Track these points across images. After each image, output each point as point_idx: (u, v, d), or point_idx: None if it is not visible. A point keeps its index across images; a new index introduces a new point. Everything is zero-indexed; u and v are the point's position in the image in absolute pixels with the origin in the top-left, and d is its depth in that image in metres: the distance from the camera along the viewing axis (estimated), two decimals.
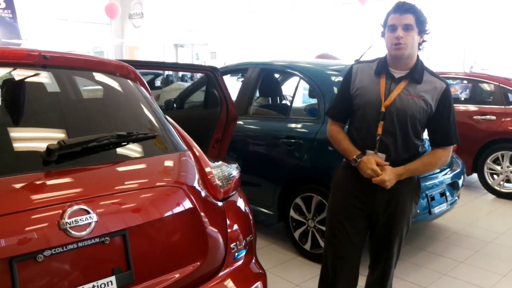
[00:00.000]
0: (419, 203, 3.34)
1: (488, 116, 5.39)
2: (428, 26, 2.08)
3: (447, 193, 3.68)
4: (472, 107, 5.57)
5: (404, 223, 2.21)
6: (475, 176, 5.68)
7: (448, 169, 3.88)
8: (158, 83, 9.96)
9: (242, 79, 4.55)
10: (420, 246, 3.86)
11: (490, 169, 5.44)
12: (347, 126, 2.31)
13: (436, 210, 3.50)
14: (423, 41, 2.10)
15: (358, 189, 2.19)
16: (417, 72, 2.08)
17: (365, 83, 2.14)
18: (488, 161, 5.42)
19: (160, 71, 9.77)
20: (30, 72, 1.69)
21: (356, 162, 2.11)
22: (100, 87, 1.97)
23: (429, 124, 2.12)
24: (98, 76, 1.94)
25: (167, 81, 9.70)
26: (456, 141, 2.15)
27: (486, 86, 5.75)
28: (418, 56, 2.12)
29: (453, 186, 3.84)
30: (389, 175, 2.05)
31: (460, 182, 3.94)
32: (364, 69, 2.19)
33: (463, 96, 5.80)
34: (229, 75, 5.24)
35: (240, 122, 3.75)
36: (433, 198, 3.49)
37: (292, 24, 12.81)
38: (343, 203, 2.23)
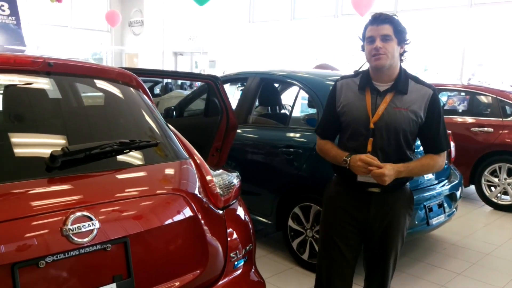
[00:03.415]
0: (417, 214, 3.38)
1: (485, 128, 5.41)
2: (408, 36, 2.05)
3: (445, 205, 3.69)
4: (469, 119, 5.61)
5: (398, 236, 2.17)
6: (472, 188, 5.69)
7: (446, 181, 3.90)
8: (157, 90, 9.99)
9: (242, 88, 4.58)
10: (418, 257, 3.86)
11: (488, 181, 5.45)
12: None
13: (434, 221, 3.51)
14: (404, 51, 2.06)
15: (350, 204, 2.14)
16: (401, 83, 2.04)
17: (351, 100, 2.10)
18: (485, 173, 5.44)
19: (159, 79, 9.80)
20: (35, 79, 1.70)
21: (347, 163, 2.03)
22: (102, 94, 1.98)
23: (420, 133, 2.08)
24: (101, 84, 1.95)
25: (166, 89, 9.73)
26: (447, 147, 2.13)
27: (483, 98, 5.79)
28: (401, 66, 2.08)
29: (451, 197, 3.85)
30: (389, 170, 1.96)
31: (458, 193, 3.95)
32: (348, 84, 2.15)
33: (461, 108, 5.83)
34: (228, 84, 5.26)
35: (240, 131, 3.76)
36: (431, 209, 3.50)
37: (291, 34, 12.90)
38: (335, 220, 2.18)
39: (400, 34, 2.00)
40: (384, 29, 1.97)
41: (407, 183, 2.20)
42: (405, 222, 2.19)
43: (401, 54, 2.06)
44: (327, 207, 2.26)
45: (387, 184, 1.98)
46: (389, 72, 2.03)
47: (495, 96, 5.53)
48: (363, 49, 2.09)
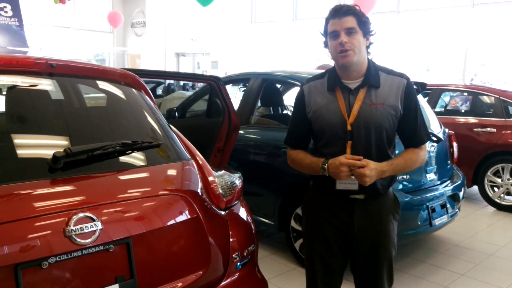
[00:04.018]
0: (420, 214, 3.38)
1: (488, 129, 5.40)
2: (372, 26, 1.90)
3: (448, 205, 3.68)
4: (472, 120, 5.59)
5: (390, 245, 2.01)
6: (475, 188, 5.68)
7: (449, 181, 3.89)
8: (159, 91, 10.00)
9: (244, 89, 4.58)
10: (421, 258, 3.85)
11: (491, 181, 5.44)
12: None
13: (437, 222, 3.50)
14: (370, 43, 1.92)
15: (332, 214, 1.97)
16: (372, 77, 1.88)
17: (321, 103, 1.93)
18: (488, 173, 5.43)
19: (162, 80, 9.81)
20: (37, 80, 1.70)
21: (325, 170, 1.85)
22: (105, 95, 1.99)
23: (399, 126, 1.93)
24: (104, 85, 1.95)
25: (168, 90, 9.74)
26: (428, 138, 1.98)
27: (486, 99, 5.78)
28: (368, 59, 1.93)
29: (454, 198, 3.84)
30: (370, 170, 1.78)
31: (461, 194, 3.95)
32: (316, 87, 1.97)
33: (463, 108, 5.82)
34: (231, 84, 5.27)
35: (242, 132, 3.76)
36: (433, 210, 3.49)
37: (293, 34, 12.90)
38: (317, 232, 2.02)
39: (364, 26, 1.85)
40: (348, 22, 1.82)
41: (391, 188, 2.06)
42: (394, 228, 2.03)
43: (368, 47, 1.91)
44: (308, 219, 2.09)
45: (368, 185, 1.82)
46: (357, 68, 1.88)
47: (497, 96, 5.51)
48: (326, 46, 1.94)
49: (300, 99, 2.01)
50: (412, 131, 1.94)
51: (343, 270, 2.08)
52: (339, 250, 2.00)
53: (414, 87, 1.98)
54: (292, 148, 2.08)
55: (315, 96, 1.96)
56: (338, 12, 1.84)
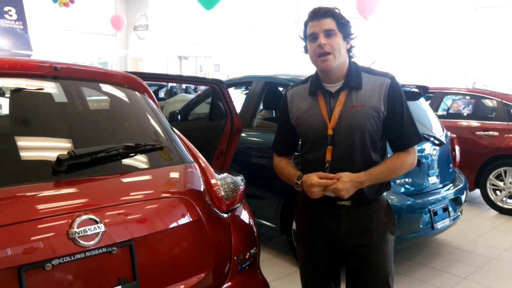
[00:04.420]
0: (422, 218, 3.37)
1: (490, 132, 5.40)
2: (353, 30, 1.83)
3: (450, 209, 3.68)
4: (474, 123, 5.59)
5: (382, 260, 1.86)
6: (477, 192, 5.67)
7: (451, 185, 3.89)
8: (162, 94, 10.03)
9: (246, 92, 4.59)
10: (422, 261, 3.85)
11: (493, 185, 5.43)
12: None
13: (439, 225, 3.50)
14: (351, 46, 1.85)
15: (320, 220, 1.90)
16: (353, 78, 1.81)
17: (303, 109, 1.88)
18: (490, 177, 5.42)
19: (164, 83, 9.84)
20: (41, 83, 1.72)
21: (299, 186, 1.81)
22: (108, 98, 2.00)
23: (384, 130, 1.83)
24: (107, 88, 1.97)
25: (171, 93, 9.77)
26: (418, 139, 1.85)
27: (488, 102, 5.78)
28: (350, 61, 1.86)
29: (456, 201, 3.84)
30: (344, 183, 1.69)
31: (463, 197, 3.94)
32: (299, 92, 1.93)
33: (465, 112, 5.82)
34: (233, 87, 5.28)
35: (244, 135, 3.77)
36: (435, 213, 3.49)
37: (295, 38, 12.90)
38: (306, 239, 1.96)
39: (344, 28, 1.78)
40: (326, 24, 1.75)
41: (384, 193, 1.92)
42: (388, 242, 1.88)
43: (349, 50, 1.85)
44: (297, 224, 2.04)
45: (347, 197, 1.73)
46: (338, 72, 1.81)
47: (500, 99, 5.52)
48: (306, 51, 1.88)
49: (283, 105, 1.98)
50: (398, 133, 1.82)
51: (337, 279, 1.99)
52: (329, 258, 1.92)
53: (418, 89, 1.90)
54: (277, 155, 2.05)
55: (297, 101, 1.92)
56: (316, 14, 1.78)
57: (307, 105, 1.88)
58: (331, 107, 1.82)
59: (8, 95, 1.68)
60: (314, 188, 1.73)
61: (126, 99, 2.00)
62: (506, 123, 5.36)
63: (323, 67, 1.79)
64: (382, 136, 1.86)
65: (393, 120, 1.81)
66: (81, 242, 1.37)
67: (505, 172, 5.33)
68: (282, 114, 2.00)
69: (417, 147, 1.89)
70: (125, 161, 1.70)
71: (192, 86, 10.51)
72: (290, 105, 1.95)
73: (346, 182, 1.71)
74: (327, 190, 1.73)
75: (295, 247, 2.13)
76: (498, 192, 5.43)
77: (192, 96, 7.12)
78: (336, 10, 1.80)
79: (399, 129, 1.82)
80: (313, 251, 1.94)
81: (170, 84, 10.24)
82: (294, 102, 1.93)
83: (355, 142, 1.80)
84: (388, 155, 1.91)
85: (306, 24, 1.84)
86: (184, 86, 10.77)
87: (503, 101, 5.47)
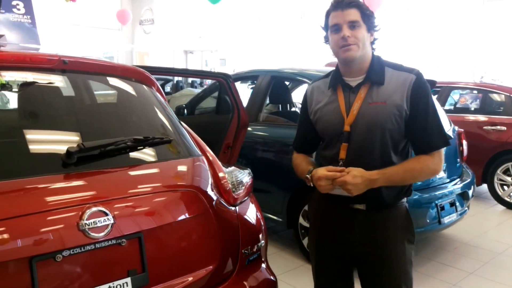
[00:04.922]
0: (428, 212, 3.37)
1: (498, 127, 5.36)
2: (377, 22, 1.74)
3: (457, 203, 3.67)
4: (482, 117, 5.55)
5: (398, 271, 1.74)
6: (485, 186, 5.65)
7: (458, 179, 3.88)
8: (168, 88, 10.05)
9: (253, 86, 4.59)
10: (429, 256, 3.85)
11: (500, 179, 5.40)
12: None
13: (446, 220, 3.49)
14: (375, 39, 1.76)
15: (332, 223, 1.80)
16: (375, 73, 1.71)
17: (322, 103, 1.80)
18: (498, 171, 5.39)
19: (170, 77, 9.86)
20: (50, 77, 1.73)
21: (309, 180, 1.73)
22: (116, 91, 2.01)
23: (407, 129, 1.70)
24: (115, 81, 1.97)
25: (177, 87, 9.79)
26: (444, 143, 1.70)
27: (496, 97, 5.73)
28: (373, 54, 1.76)
29: (463, 196, 3.82)
30: (353, 177, 1.59)
31: (470, 192, 3.93)
32: (319, 87, 1.85)
33: (473, 106, 5.78)
34: (239, 82, 5.28)
35: (250, 129, 3.77)
36: (442, 208, 3.48)
37: (301, 32, 12.87)
38: (319, 241, 1.89)
39: (368, 20, 1.70)
40: (351, 14, 1.66)
41: (404, 199, 1.79)
42: (405, 251, 1.75)
43: (372, 43, 1.75)
44: (311, 222, 1.97)
45: (355, 194, 1.62)
46: (360, 64, 1.71)
47: (508, 94, 5.48)
48: (326, 41, 1.78)
49: (303, 101, 1.91)
50: (421, 134, 1.69)
51: (350, 280, 1.90)
52: (341, 261, 1.83)
53: None
54: (296, 152, 1.97)
55: (317, 96, 1.84)
56: (340, 4, 1.68)
57: (326, 99, 1.80)
58: (350, 102, 1.72)
59: (18, 89, 1.69)
60: (322, 181, 1.64)
61: (133, 92, 2.00)
62: None
63: (346, 56, 1.68)
64: (405, 137, 1.72)
65: (416, 120, 1.68)
66: (91, 234, 1.38)
67: None
68: (302, 110, 1.93)
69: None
70: (134, 154, 1.71)
71: (198, 81, 10.53)
72: (309, 100, 1.87)
73: (356, 177, 1.60)
74: (335, 184, 1.63)
75: (309, 243, 2.04)
76: (505, 187, 5.40)
77: (198, 90, 7.13)
78: (361, 0, 1.71)
79: (422, 130, 1.68)
80: (325, 252, 1.86)
81: (176, 79, 10.25)
82: (314, 96, 1.85)
83: (374, 141, 1.68)
84: None
85: (328, 13, 1.73)
86: (190, 80, 10.78)
87: (511, 95, 5.43)
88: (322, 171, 1.66)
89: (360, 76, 1.73)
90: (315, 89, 1.87)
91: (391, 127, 1.66)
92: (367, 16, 1.69)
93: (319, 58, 11.75)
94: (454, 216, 3.60)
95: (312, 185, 1.74)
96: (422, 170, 1.68)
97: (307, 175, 1.74)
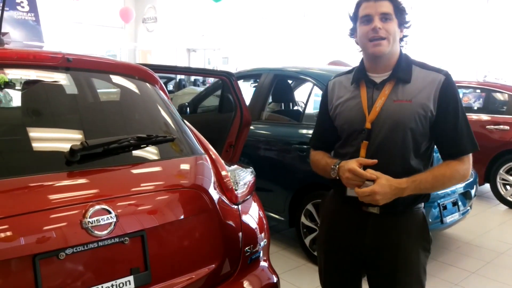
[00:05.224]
0: (431, 212, 3.36)
1: (501, 126, 5.35)
2: (408, 17, 1.67)
3: (459, 203, 3.67)
4: (485, 117, 5.54)
5: (411, 280, 1.67)
6: (487, 186, 5.64)
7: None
8: (170, 87, 10.05)
9: (255, 84, 4.58)
10: (432, 255, 3.79)
11: (503, 179, 5.39)
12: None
13: (448, 219, 3.49)
14: (404, 36, 1.69)
15: (344, 226, 1.74)
16: (402, 69, 1.63)
17: (343, 98, 1.73)
18: (501, 171, 5.38)
19: (173, 75, 9.86)
20: (54, 75, 1.73)
21: (335, 171, 1.64)
22: (119, 90, 2.01)
23: (433, 132, 1.62)
24: (118, 79, 1.97)
25: (179, 86, 9.79)
26: (473, 147, 1.62)
27: (499, 96, 5.72)
28: (401, 51, 1.69)
29: (466, 195, 3.82)
30: (381, 186, 1.51)
31: (473, 192, 3.92)
32: (341, 82, 1.78)
33: (476, 106, 5.77)
34: (242, 80, 5.28)
35: (253, 127, 3.77)
36: (445, 208, 3.48)
37: (304, 30, 12.85)
38: (328, 243, 1.83)
39: (401, 14, 1.63)
40: (384, 6, 1.58)
41: (421, 204, 1.72)
42: (419, 259, 1.68)
43: (401, 39, 1.69)
44: (321, 226, 1.92)
45: (382, 204, 1.55)
46: (387, 61, 1.65)
47: (511, 93, 5.46)
48: (352, 34, 1.71)
49: (323, 96, 1.84)
50: (450, 138, 1.60)
51: (358, 286, 1.84)
52: (350, 266, 1.77)
53: None
54: (314, 149, 1.89)
55: (338, 91, 1.77)
56: None
57: (348, 94, 1.72)
58: (373, 99, 1.65)
59: (22, 87, 1.70)
60: (349, 173, 1.56)
61: (137, 90, 2.00)
62: None
63: (374, 51, 1.61)
64: (429, 141, 1.65)
65: (444, 123, 1.59)
66: (94, 232, 1.39)
67: None
68: (321, 105, 1.85)
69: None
70: (137, 152, 1.71)
71: (201, 79, 10.53)
72: (330, 95, 1.80)
73: (384, 186, 1.52)
74: (357, 192, 1.55)
75: (317, 248, 1.99)
76: (508, 187, 5.39)
77: (200, 89, 7.13)
78: None
79: (451, 134, 1.60)
80: (333, 254, 1.80)
81: (178, 77, 10.26)
82: (335, 91, 1.78)
83: (395, 141, 1.60)
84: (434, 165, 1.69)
85: (359, 4, 1.65)
86: (192, 79, 10.78)
87: None
88: (353, 164, 1.57)
89: (386, 72, 1.66)
90: (337, 84, 1.80)
91: (414, 126, 1.59)
92: (400, 11, 1.63)
93: (322, 57, 11.75)
94: (456, 216, 3.60)
95: (337, 178, 1.65)
96: (452, 176, 1.60)
97: (334, 166, 1.65)
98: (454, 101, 1.60)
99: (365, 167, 1.59)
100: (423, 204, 1.73)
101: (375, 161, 1.57)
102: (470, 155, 1.64)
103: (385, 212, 1.64)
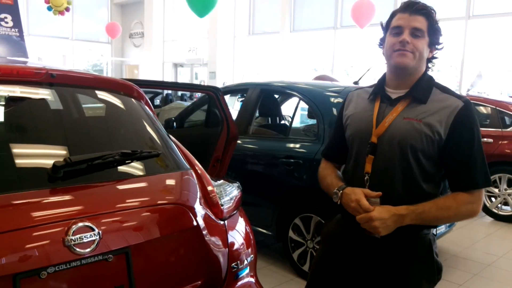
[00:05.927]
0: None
1: (485, 139, 5.42)
2: (442, 39, 1.61)
3: None
4: None
5: None
6: None
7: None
8: (157, 101, 10.02)
9: (242, 99, 4.60)
10: None
11: (488, 191, 5.45)
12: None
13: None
14: (433, 57, 1.62)
15: (342, 249, 1.69)
16: (421, 89, 1.57)
17: (357, 110, 1.70)
18: None
19: (159, 90, 9.85)
20: (37, 90, 1.72)
21: (338, 196, 1.59)
22: (104, 105, 2.00)
23: (444, 158, 1.54)
24: (103, 95, 1.96)
25: (166, 100, 9.77)
26: (485, 182, 1.52)
27: (483, 109, 5.82)
28: (425, 71, 1.62)
29: None
30: (380, 213, 1.46)
31: None
32: (359, 94, 1.76)
33: None
34: (229, 95, 5.30)
35: (240, 142, 3.77)
36: None
37: (291, 46, 13.00)
38: (322, 262, 1.78)
39: (434, 34, 1.56)
40: (417, 21, 1.52)
41: (428, 230, 1.61)
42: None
43: (429, 60, 1.62)
44: (321, 246, 1.85)
45: (384, 234, 1.49)
46: (408, 76, 1.58)
47: (494, 106, 5.56)
48: (381, 44, 1.65)
49: (341, 106, 1.81)
50: (462, 167, 1.51)
51: None
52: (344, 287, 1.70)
53: None
54: (325, 159, 1.84)
55: (354, 102, 1.74)
56: (410, 7, 1.54)
57: (362, 106, 1.69)
58: (384, 113, 1.60)
59: (5, 102, 1.68)
60: (353, 203, 1.52)
61: (122, 106, 1.99)
62: (500, 129, 5.40)
63: (398, 62, 1.54)
64: (439, 167, 1.57)
65: (456, 151, 1.51)
66: (77, 249, 1.36)
67: (500, 178, 5.36)
68: (338, 116, 1.81)
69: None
70: (121, 168, 1.69)
71: (188, 94, 10.53)
72: (346, 106, 1.77)
73: (384, 212, 1.47)
74: (358, 219, 1.51)
75: (311, 264, 1.91)
76: (493, 199, 5.46)
77: (187, 103, 7.13)
78: (433, 11, 1.57)
79: (463, 163, 1.51)
80: (327, 276, 1.72)
81: (165, 92, 10.24)
82: (352, 102, 1.76)
83: (399, 157, 1.54)
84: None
85: (393, 14, 1.59)
86: (180, 93, 10.78)
87: (497, 108, 5.52)
88: (359, 194, 1.52)
89: (404, 89, 1.60)
90: (355, 95, 1.77)
91: (420, 146, 1.51)
92: (434, 29, 1.56)
93: (308, 72, 11.87)
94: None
95: (338, 203, 1.61)
96: (458, 209, 1.50)
97: (337, 191, 1.61)
98: (470, 130, 1.51)
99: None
100: (431, 230, 1.63)
101: (379, 193, 1.51)
102: (482, 190, 1.54)
103: (387, 236, 1.52)
